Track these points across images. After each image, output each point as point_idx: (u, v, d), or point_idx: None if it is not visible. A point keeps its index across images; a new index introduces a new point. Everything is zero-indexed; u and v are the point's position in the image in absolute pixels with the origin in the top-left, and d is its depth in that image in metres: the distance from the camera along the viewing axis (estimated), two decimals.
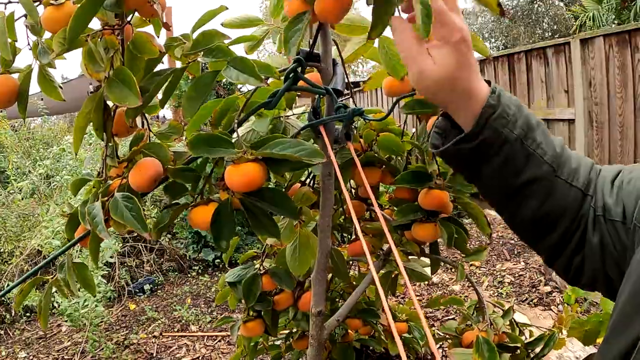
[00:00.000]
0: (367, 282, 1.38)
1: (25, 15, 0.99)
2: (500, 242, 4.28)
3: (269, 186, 0.96)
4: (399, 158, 1.34)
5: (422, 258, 1.42)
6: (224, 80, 8.92)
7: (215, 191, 1.06)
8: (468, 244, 1.34)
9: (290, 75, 0.96)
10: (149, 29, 1.10)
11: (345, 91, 1.06)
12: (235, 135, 1.01)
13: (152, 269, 4.81)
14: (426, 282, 3.65)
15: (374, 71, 1.36)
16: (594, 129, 5.31)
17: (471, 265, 3.87)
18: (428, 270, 1.57)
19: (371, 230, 1.45)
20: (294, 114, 1.36)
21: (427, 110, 1.18)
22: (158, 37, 1.21)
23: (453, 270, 3.22)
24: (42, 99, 7.48)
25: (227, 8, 1.15)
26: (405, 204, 1.23)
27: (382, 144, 1.29)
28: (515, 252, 4.08)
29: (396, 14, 0.80)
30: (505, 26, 19.90)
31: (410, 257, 1.45)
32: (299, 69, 0.97)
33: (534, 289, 3.36)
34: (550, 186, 0.79)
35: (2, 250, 5.27)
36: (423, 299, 3.53)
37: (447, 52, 0.73)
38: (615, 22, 12.53)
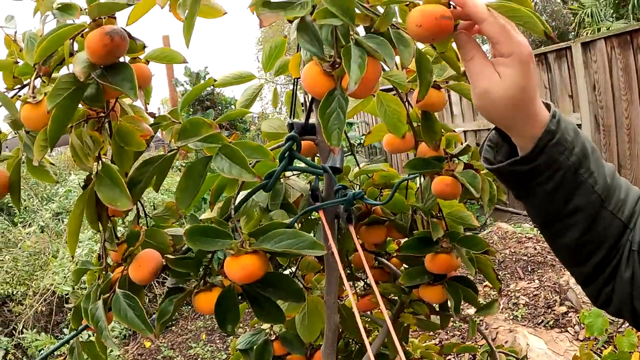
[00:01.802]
0: (376, 346, 1.34)
1: None
2: (514, 259, 4.21)
3: (271, 271, 0.93)
4: (404, 214, 1.30)
5: (432, 316, 1.38)
6: (226, 110, 8.97)
7: (217, 274, 1.03)
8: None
9: (286, 155, 0.93)
10: None
11: None
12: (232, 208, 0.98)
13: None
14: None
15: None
16: (600, 133, 5.25)
17: (485, 286, 3.81)
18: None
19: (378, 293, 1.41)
20: (294, 174, 1.32)
21: (430, 170, 1.14)
22: (148, 104, 1.18)
23: None
24: None
25: (214, 80, 1.13)
26: (412, 268, 1.20)
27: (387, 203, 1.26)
28: (529, 270, 4.01)
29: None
30: None
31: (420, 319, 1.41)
32: (295, 147, 0.94)
33: (549, 310, 3.30)
34: (595, 216, 0.77)
35: (15, 292, 5.27)
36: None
37: (516, 69, 0.71)
38: (614, 16, 12.47)
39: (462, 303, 1.21)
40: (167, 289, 1.07)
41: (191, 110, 8.74)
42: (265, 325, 1.45)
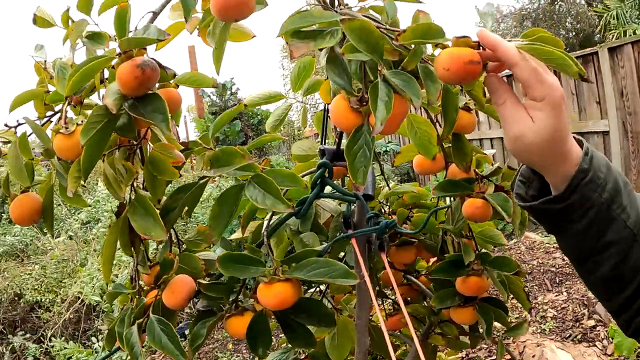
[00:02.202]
0: None
1: None
2: (542, 270, 4.16)
3: (303, 296, 0.94)
4: (434, 234, 1.30)
5: (461, 337, 1.37)
6: (252, 120, 9.07)
7: (249, 298, 1.04)
8: None
9: (318, 182, 0.93)
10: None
11: None
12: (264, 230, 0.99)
13: (192, 311, 4.81)
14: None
15: None
16: (629, 139, 5.17)
17: (512, 299, 3.74)
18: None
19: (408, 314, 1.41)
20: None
21: (461, 193, 1.13)
22: (178, 125, 1.18)
23: None
24: None
25: (245, 106, 1.13)
26: (442, 290, 1.19)
27: (416, 224, 1.26)
28: (557, 281, 3.96)
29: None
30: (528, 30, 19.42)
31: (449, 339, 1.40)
32: (326, 173, 0.94)
33: (577, 323, 3.25)
34: (627, 250, 0.76)
35: (44, 299, 5.35)
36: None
37: (548, 113, 0.70)
38: None
39: None
40: (198, 312, 1.08)
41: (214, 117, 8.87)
42: None
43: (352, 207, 1.08)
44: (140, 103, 0.83)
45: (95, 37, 0.96)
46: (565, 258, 4.41)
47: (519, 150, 0.74)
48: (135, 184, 0.97)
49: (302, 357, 1.41)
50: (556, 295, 3.68)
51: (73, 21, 1.01)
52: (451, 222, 1.20)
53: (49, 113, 1.01)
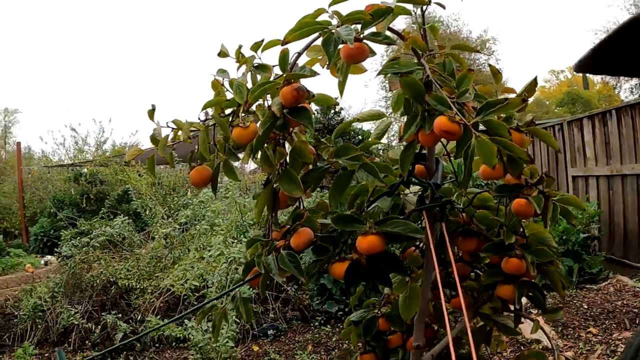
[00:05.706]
0: (459, 328, 1.85)
1: (214, 125, 1.59)
2: (624, 311, 4.47)
3: (387, 251, 1.49)
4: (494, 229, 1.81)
5: (504, 313, 1.86)
6: (353, 140, 9.89)
7: (348, 252, 1.60)
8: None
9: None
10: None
11: None
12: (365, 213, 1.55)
13: (275, 316, 5.47)
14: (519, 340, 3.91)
15: None
16: None
17: (588, 332, 4.10)
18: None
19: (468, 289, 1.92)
20: (411, 192, 1.88)
21: (511, 193, 1.65)
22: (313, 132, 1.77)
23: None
24: (174, 149, 8.54)
25: (357, 120, 1.71)
26: (490, 269, 1.71)
27: (478, 219, 1.78)
28: (637, 322, 4.26)
29: None
30: None
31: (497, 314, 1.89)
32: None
33: None
34: None
35: (136, 287, 6.16)
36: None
37: None
38: None
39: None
40: (311, 261, 1.66)
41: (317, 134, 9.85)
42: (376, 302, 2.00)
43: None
44: (293, 111, 1.43)
45: (262, 68, 1.58)
46: None
47: None
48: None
49: (379, 315, 1.96)
50: (632, 334, 3.99)
51: (243, 55, 1.63)
52: (506, 219, 1.72)
53: (223, 114, 1.64)
